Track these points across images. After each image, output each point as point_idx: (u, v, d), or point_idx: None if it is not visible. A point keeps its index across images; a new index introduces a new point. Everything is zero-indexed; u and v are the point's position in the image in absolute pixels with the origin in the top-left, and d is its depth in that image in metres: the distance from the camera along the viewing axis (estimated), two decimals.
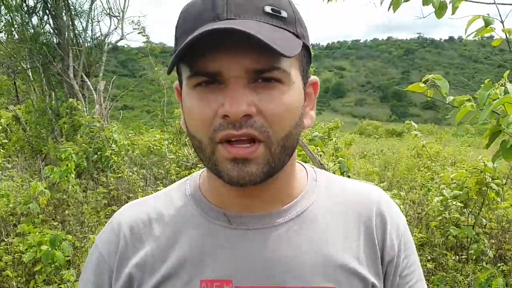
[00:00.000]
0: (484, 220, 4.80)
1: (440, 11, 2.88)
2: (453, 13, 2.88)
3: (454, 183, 5.08)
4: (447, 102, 2.73)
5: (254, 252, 0.93)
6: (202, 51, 0.81)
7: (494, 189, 4.55)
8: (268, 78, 0.83)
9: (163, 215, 1.00)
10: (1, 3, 12.32)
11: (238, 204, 0.96)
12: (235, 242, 0.94)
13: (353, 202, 1.02)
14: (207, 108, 0.84)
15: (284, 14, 0.85)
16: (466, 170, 4.93)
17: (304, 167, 1.07)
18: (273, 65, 0.83)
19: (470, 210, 4.78)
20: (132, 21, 12.61)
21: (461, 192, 4.76)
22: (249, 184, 0.84)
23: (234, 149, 0.83)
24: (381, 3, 3.02)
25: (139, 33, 12.61)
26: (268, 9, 0.83)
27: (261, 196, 0.95)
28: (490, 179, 4.55)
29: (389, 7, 3.10)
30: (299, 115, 0.89)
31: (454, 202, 4.78)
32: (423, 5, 2.94)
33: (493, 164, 3.98)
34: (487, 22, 2.68)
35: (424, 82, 2.74)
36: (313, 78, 0.98)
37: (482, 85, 2.44)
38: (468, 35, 2.75)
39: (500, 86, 2.35)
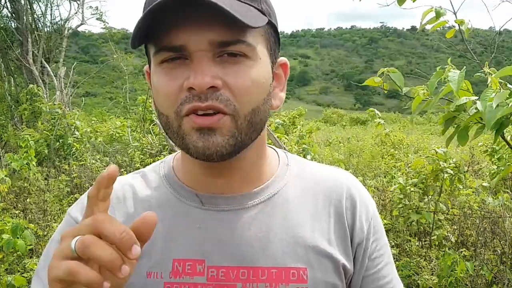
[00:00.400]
0: (443, 206, 4.88)
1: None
2: (413, 1, 2.93)
3: (411, 171, 5.17)
4: (403, 93, 2.79)
5: (226, 233, 0.93)
6: (166, 26, 0.81)
7: (450, 173, 4.64)
8: (233, 53, 0.83)
9: (137, 194, 1.01)
10: None
11: (210, 185, 0.96)
12: (207, 223, 0.94)
13: (324, 185, 1.03)
14: (173, 82, 0.84)
15: None
16: (421, 157, 5.02)
17: (276, 151, 1.08)
18: (238, 38, 0.82)
19: (429, 196, 4.86)
20: (90, 6, 12.43)
21: (416, 180, 4.84)
22: (215, 156, 0.84)
23: (199, 118, 0.82)
24: None
25: (97, 19, 12.46)
26: None
27: (231, 176, 0.95)
28: (445, 165, 4.64)
29: None
30: (266, 91, 0.89)
31: (412, 189, 4.86)
32: None
33: (446, 148, 4.09)
34: (438, 14, 2.76)
35: (380, 76, 2.78)
36: (282, 58, 0.98)
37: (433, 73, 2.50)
38: (423, 26, 2.83)
39: (448, 72, 2.40)
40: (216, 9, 0.77)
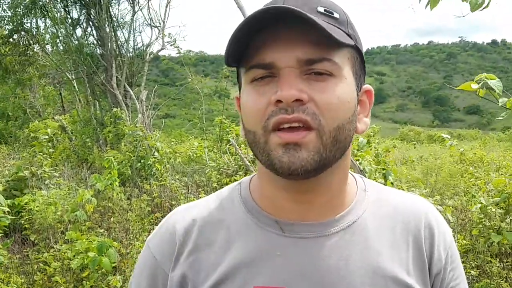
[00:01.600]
0: None
1: (474, 5, 2.78)
2: (486, 6, 2.77)
3: (493, 189, 4.97)
4: (500, 104, 2.65)
5: (306, 261, 0.93)
6: (256, 44, 0.86)
7: None
8: (320, 72, 0.86)
9: (216, 220, 1.01)
10: (46, 16, 12.69)
11: (289, 211, 0.96)
12: (288, 250, 0.94)
13: (402, 213, 1.02)
14: (261, 98, 0.87)
15: (336, 15, 0.90)
16: (505, 176, 4.82)
17: (353, 176, 1.07)
18: (324, 56, 0.86)
19: (511, 216, 4.67)
20: (169, 33, 12.81)
21: (499, 199, 4.66)
22: (300, 171, 0.85)
23: (286, 134, 0.84)
24: (419, 1, 2.94)
25: (171, 45, 12.79)
26: (321, 9, 0.88)
27: (314, 202, 0.95)
28: None
29: (426, 5, 3.00)
30: (351, 111, 0.90)
31: (494, 209, 4.68)
32: (462, 1, 2.83)
33: None
34: None
35: (477, 82, 2.67)
36: (367, 85, 1.00)
37: None
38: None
39: None
40: (310, 24, 0.81)
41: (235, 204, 1.03)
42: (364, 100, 0.99)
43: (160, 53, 14.11)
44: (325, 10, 0.88)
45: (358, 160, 5.37)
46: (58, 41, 12.86)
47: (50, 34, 13.12)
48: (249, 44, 0.86)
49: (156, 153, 8.95)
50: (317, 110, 0.85)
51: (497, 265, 4.51)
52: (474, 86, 2.64)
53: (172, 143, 13.70)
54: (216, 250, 0.98)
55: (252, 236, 0.97)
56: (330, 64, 0.86)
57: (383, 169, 5.89)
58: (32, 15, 12.92)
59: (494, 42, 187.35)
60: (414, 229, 1.00)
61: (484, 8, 2.73)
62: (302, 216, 0.96)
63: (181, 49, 12.66)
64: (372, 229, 0.98)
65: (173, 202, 6.96)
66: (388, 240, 0.98)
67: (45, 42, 13.58)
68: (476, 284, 4.19)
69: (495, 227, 4.64)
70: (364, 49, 0.98)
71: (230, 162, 8.76)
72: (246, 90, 0.91)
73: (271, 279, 0.92)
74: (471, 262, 4.66)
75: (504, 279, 4.27)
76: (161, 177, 8.41)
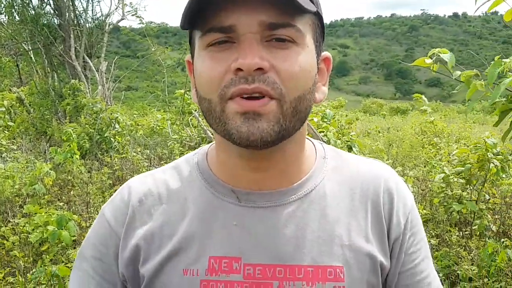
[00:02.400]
0: (487, 196, 4.79)
1: None
2: None
3: (456, 159, 5.07)
4: (453, 77, 2.67)
5: (263, 230, 0.92)
6: (215, 6, 0.81)
7: (496, 165, 4.54)
8: (282, 39, 0.82)
9: (171, 190, 0.99)
10: None
11: (247, 180, 0.94)
12: (244, 220, 0.93)
13: (362, 179, 1.01)
14: (218, 65, 0.82)
15: None
16: (468, 147, 4.93)
17: (313, 142, 1.05)
18: (288, 21, 0.82)
19: (472, 186, 4.77)
20: (130, 2, 12.56)
21: (463, 169, 4.75)
22: (259, 142, 0.82)
23: (246, 102, 0.81)
24: None
25: (132, 15, 12.55)
26: None
27: (270, 170, 0.93)
28: (492, 155, 4.54)
29: None
30: (312, 80, 0.87)
31: (456, 179, 4.77)
32: None
33: (503, 143, 3.94)
34: None
35: (430, 57, 2.67)
36: (325, 53, 0.97)
37: (491, 62, 2.37)
38: (479, 7, 2.56)
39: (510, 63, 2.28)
40: None
41: (191, 173, 1.01)
42: (322, 68, 0.96)
43: (120, 24, 13.82)
44: None
45: (323, 131, 5.39)
46: (13, 10, 12.43)
47: (5, 3, 12.68)
48: (208, 5, 0.80)
49: (117, 126, 8.83)
50: (278, 79, 0.81)
51: (456, 234, 4.61)
52: (428, 61, 2.66)
53: (135, 115, 13.56)
54: (170, 220, 0.96)
55: (208, 206, 0.95)
56: (294, 30, 0.82)
57: (347, 141, 5.93)
58: None
59: (455, 15, 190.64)
60: (373, 195, 0.99)
61: None
62: (259, 185, 0.94)
63: (142, 18, 12.44)
64: (330, 197, 0.97)
65: (134, 175, 6.86)
66: (347, 208, 0.97)
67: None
68: (436, 252, 4.28)
69: (456, 196, 4.73)
70: (327, 22, 0.93)
71: (193, 134, 8.71)
72: (201, 56, 0.85)
73: (227, 249, 0.91)
74: (431, 232, 4.76)
75: (463, 247, 4.36)
76: (122, 150, 8.32)
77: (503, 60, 2.34)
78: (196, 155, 1.05)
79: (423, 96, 6.48)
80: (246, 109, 0.81)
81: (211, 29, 0.82)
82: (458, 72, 2.68)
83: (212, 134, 7.16)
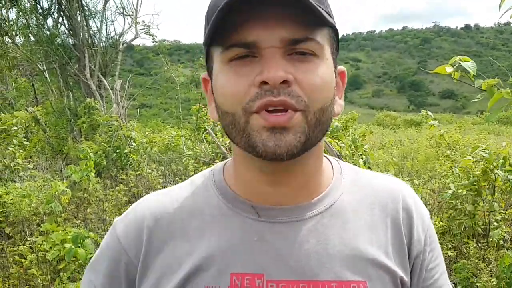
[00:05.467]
0: (496, 206, 4.73)
1: None
2: None
3: (467, 171, 5.03)
4: (475, 86, 2.64)
5: (284, 246, 0.91)
6: (236, 24, 0.81)
7: (500, 175, 4.50)
8: (303, 52, 0.83)
9: (188, 207, 0.98)
10: (15, 6, 12.45)
11: (266, 195, 0.93)
12: (264, 235, 0.92)
13: (380, 195, 1.01)
14: (242, 79, 0.83)
15: None
16: (473, 157, 4.89)
17: (329, 159, 1.05)
18: (308, 36, 0.83)
19: (483, 197, 4.72)
20: (143, 21, 12.67)
21: (467, 182, 4.72)
22: (285, 156, 0.82)
23: (272, 117, 0.81)
24: None
25: (145, 33, 12.65)
26: None
27: (290, 184, 0.93)
28: (494, 165, 4.50)
29: None
30: (332, 92, 0.89)
31: (464, 192, 4.73)
32: None
33: None
34: None
35: (452, 65, 2.65)
36: (341, 67, 0.98)
37: (506, 72, 2.35)
38: (503, 14, 2.55)
39: None
40: (295, 0, 0.78)
41: (208, 190, 1.00)
42: (338, 82, 0.97)
43: (134, 43, 13.96)
44: None
45: (334, 144, 5.38)
46: (28, 31, 12.61)
47: (20, 24, 12.87)
48: (229, 22, 0.81)
49: (132, 143, 8.88)
50: (301, 92, 0.82)
51: (474, 245, 4.56)
52: (449, 69, 2.63)
53: (148, 132, 13.62)
54: (189, 239, 0.94)
55: (227, 222, 0.94)
56: (314, 43, 0.83)
57: (361, 154, 5.92)
58: (1, 5, 12.64)
59: (467, 26, 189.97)
60: (392, 211, 0.99)
61: None
62: (278, 200, 0.94)
63: (155, 37, 12.55)
64: (350, 211, 0.97)
65: (150, 192, 6.89)
66: (366, 223, 0.96)
67: (15, 33, 13.32)
68: (454, 265, 4.24)
69: (466, 210, 4.69)
70: (339, 36, 0.96)
71: (207, 150, 8.74)
72: (223, 70, 0.86)
73: (249, 266, 0.90)
74: (448, 244, 4.72)
75: (481, 259, 4.32)
76: (137, 167, 8.35)
77: None
78: (212, 171, 1.04)
79: (428, 112, 6.46)
80: (273, 124, 0.81)
81: (234, 45, 0.83)
82: (480, 81, 2.64)
83: (226, 149, 7.18)
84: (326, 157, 1.04)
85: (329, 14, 0.87)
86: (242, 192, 0.96)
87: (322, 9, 0.84)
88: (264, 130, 0.82)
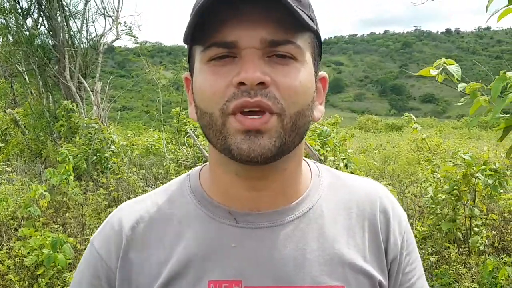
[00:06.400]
0: (477, 211, 4.76)
1: None
2: None
3: (444, 176, 5.06)
4: (459, 89, 2.65)
5: (262, 251, 0.90)
6: (217, 23, 0.82)
7: (481, 180, 4.52)
8: (282, 55, 0.83)
9: (164, 213, 0.97)
10: None
11: (243, 200, 0.93)
12: (242, 241, 0.91)
13: (357, 198, 1.00)
14: (221, 79, 0.82)
15: None
16: (451, 162, 4.92)
17: (307, 161, 1.04)
18: (288, 39, 0.83)
19: (464, 202, 4.75)
20: (124, 22, 12.57)
21: (447, 187, 4.74)
22: (260, 159, 0.82)
23: (247, 120, 0.81)
24: None
25: (126, 34, 12.58)
26: None
27: (267, 188, 0.92)
28: (475, 170, 4.53)
29: None
30: (311, 97, 0.88)
31: (444, 197, 4.75)
32: None
33: (509, 159, 3.88)
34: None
35: (436, 68, 2.65)
36: (322, 73, 0.98)
37: (485, 76, 2.37)
38: (490, 17, 2.49)
39: None
40: (276, 2, 0.78)
41: (184, 196, 0.99)
42: (320, 87, 0.97)
43: (115, 44, 13.84)
44: None
45: (317, 149, 5.37)
46: (7, 32, 12.45)
47: None
48: (210, 21, 0.81)
49: (112, 146, 8.79)
50: (278, 94, 0.81)
51: (455, 251, 4.58)
52: (433, 72, 2.64)
53: (129, 135, 13.52)
54: (165, 246, 0.93)
55: (204, 228, 0.93)
56: (294, 47, 0.83)
57: (344, 158, 5.92)
58: None
59: (448, 31, 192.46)
60: (370, 214, 0.99)
61: None
62: (256, 205, 0.93)
63: (137, 38, 12.46)
64: (328, 215, 0.96)
65: (130, 196, 6.86)
66: (344, 226, 0.96)
67: None
68: (435, 270, 4.24)
69: (447, 215, 4.71)
70: (321, 39, 0.95)
71: (189, 153, 8.69)
72: (202, 70, 0.86)
73: (227, 272, 0.89)
74: (430, 249, 4.73)
75: (463, 264, 4.33)
76: (118, 171, 8.28)
77: (507, 73, 2.32)
78: (188, 176, 1.03)
79: (412, 115, 6.50)
80: (248, 128, 0.81)
81: (213, 44, 0.83)
82: (464, 84, 2.65)
83: (208, 153, 7.12)
84: (304, 159, 1.03)
85: (311, 19, 0.87)
86: (219, 197, 0.95)
87: (305, 13, 0.85)
88: (239, 133, 0.81)
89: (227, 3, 0.79)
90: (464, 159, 4.60)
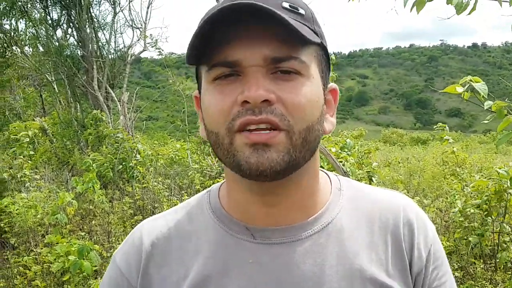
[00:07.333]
0: (508, 227, 4.69)
1: (460, 7, 2.73)
2: (469, 13, 2.74)
3: (472, 192, 5.00)
4: (485, 107, 2.62)
5: (280, 267, 0.90)
6: (219, 42, 0.82)
7: None
8: (287, 70, 0.82)
9: (183, 230, 0.99)
10: (25, 17, 12.55)
11: (261, 216, 0.92)
12: (260, 257, 0.91)
13: (380, 211, 0.98)
14: (226, 98, 0.82)
15: (301, 11, 0.85)
16: (485, 177, 4.86)
17: (327, 175, 1.04)
18: (291, 55, 0.82)
19: (493, 218, 4.68)
20: (150, 34, 12.69)
21: (479, 201, 4.68)
22: (269, 173, 0.81)
23: (254, 135, 0.80)
24: (404, 5, 2.89)
25: (152, 46, 12.71)
26: (286, 5, 0.83)
27: (283, 203, 0.91)
28: (508, 185, 4.46)
29: (412, 8, 2.96)
30: (320, 111, 0.87)
31: (473, 211, 4.69)
32: (447, 3, 2.80)
33: None
34: None
35: (462, 85, 2.63)
36: (332, 84, 0.96)
37: None
38: None
39: None
40: (276, 20, 0.77)
41: (204, 212, 1.00)
42: (330, 99, 0.96)
43: (142, 55, 14.02)
44: (290, 6, 0.84)
45: (341, 161, 5.36)
46: (37, 42, 12.70)
47: (30, 35, 12.96)
48: (211, 41, 0.82)
49: (138, 156, 8.88)
50: (285, 110, 0.81)
51: (481, 266, 4.52)
52: (459, 89, 2.62)
53: (155, 145, 13.64)
54: (184, 262, 0.95)
55: (222, 244, 0.94)
56: (297, 62, 0.83)
57: (368, 171, 5.89)
58: (11, 16, 12.76)
59: (474, 45, 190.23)
60: (393, 227, 0.96)
61: (471, 11, 2.72)
62: (273, 221, 0.92)
63: (162, 50, 12.59)
64: (348, 229, 0.95)
65: (155, 205, 6.91)
66: (365, 240, 0.94)
67: (24, 43, 13.42)
68: (461, 286, 4.19)
69: (474, 229, 4.65)
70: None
71: (213, 164, 8.72)
72: (208, 90, 0.86)
73: None
74: (455, 264, 4.67)
75: (489, 280, 4.27)
76: (143, 180, 8.35)
77: None
78: (208, 193, 1.04)
79: (446, 126, 6.43)
80: (255, 141, 0.80)
81: (217, 64, 0.83)
82: (490, 102, 2.62)
83: None
84: (324, 171, 1.03)
85: (315, 32, 0.87)
86: (236, 213, 0.95)
87: (308, 27, 0.85)
88: (246, 147, 0.81)
89: (226, 25, 0.79)
90: (498, 173, 4.53)
